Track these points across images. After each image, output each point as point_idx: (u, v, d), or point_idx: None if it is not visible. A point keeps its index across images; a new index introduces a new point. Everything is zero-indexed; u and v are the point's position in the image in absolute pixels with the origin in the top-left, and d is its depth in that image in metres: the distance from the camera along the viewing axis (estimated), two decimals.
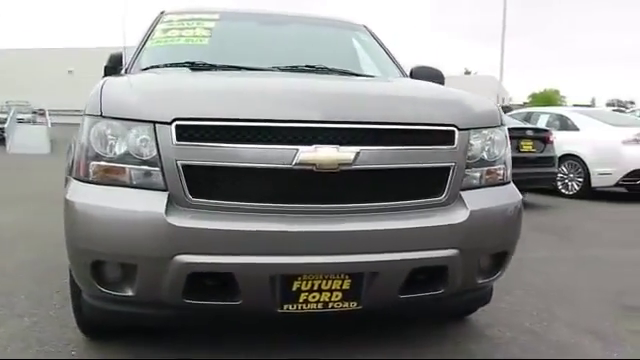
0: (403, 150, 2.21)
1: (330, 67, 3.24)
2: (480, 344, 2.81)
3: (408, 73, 3.47)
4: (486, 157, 2.41)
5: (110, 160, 2.17)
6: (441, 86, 3.06)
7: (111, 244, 2.11)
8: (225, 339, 2.78)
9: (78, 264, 2.24)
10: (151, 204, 2.08)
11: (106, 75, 3.29)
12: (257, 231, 2.07)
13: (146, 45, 3.42)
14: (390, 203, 2.21)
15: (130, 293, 2.17)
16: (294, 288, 2.15)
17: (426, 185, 2.27)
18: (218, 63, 3.18)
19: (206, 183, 2.10)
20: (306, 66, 3.21)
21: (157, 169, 2.11)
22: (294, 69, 3.18)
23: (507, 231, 2.44)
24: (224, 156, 2.10)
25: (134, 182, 2.15)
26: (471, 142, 2.33)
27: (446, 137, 2.28)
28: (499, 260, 2.47)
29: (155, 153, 2.11)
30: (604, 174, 8.85)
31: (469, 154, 2.33)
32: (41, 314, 3.12)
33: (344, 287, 2.18)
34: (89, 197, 2.17)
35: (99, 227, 2.12)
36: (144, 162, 2.13)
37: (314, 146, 2.09)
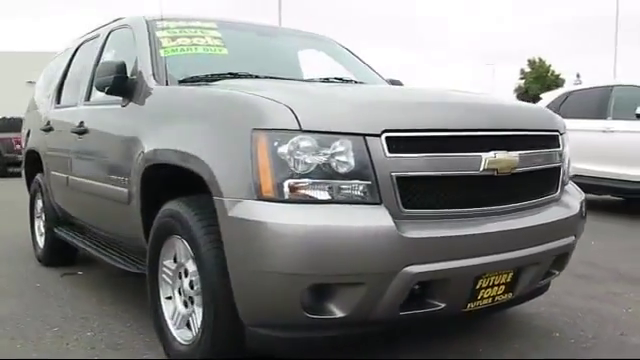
0: (538, 153, 2.52)
1: (345, 78, 3.43)
2: None
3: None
4: (568, 157, 2.85)
5: (310, 176, 2.04)
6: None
7: (336, 264, 1.99)
8: None
9: (280, 291, 2.03)
10: (378, 218, 2.03)
11: (116, 85, 2.93)
12: (468, 235, 2.18)
13: (159, 54, 3.10)
14: (534, 201, 2.50)
15: (340, 315, 2.06)
16: (477, 286, 2.29)
17: (549, 183, 2.62)
18: (253, 73, 3.11)
19: (413, 193, 2.12)
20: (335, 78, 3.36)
21: (369, 182, 2.06)
22: (328, 80, 3.31)
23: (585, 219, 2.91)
24: (428, 165, 2.15)
25: (341, 197, 2.05)
26: (565, 144, 2.75)
27: (555, 141, 2.66)
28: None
29: (368, 166, 2.06)
30: None
31: (563, 155, 2.74)
32: None
33: (507, 280, 2.39)
34: (296, 218, 2.00)
35: (320, 248, 1.98)
36: (354, 176, 2.06)
37: (492, 152, 2.28)
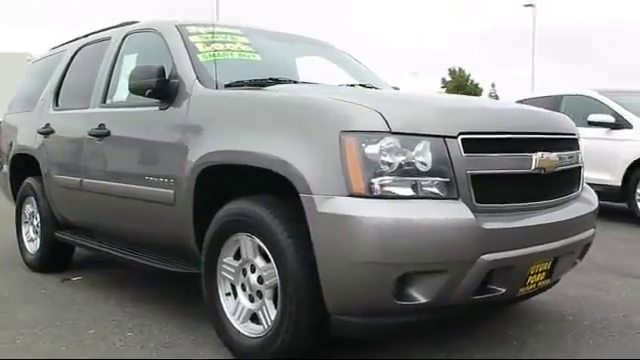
0: (568, 154, 2.82)
1: (367, 84, 3.66)
2: None
3: None
4: None
5: (396, 174, 2.23)
6: None
7: (424, 254, 2.19)
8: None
9: (374, 280, 2.20)
10: (459, 212, 2.24)
11: (159, 89, 3.01)
12: (528, 226, 2.44)
13: (197, 58, 3.18)
14: (566, 197, 2.79)
15: (424, 300, 2.26)
16: (529, 273, 2.55)
17: (574, 181, 2.93)
18: (290, 79, 3.26)
19: (483, 189, 2.35)
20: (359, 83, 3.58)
21: (448, 179, 2.27)
22: (354, 85, 3.51)
23: None
24: (495, 164, 2.40)
25: (423, 193, 2.25)
26: (581, 147, 3.07)
27: (576, 143, 2.98)
28: None
29: (448, 165, 2.27)
30: None
31: (581, 156, 3.06)
32: None
33: (548, 268, 2.67)
34: (386, 212, 2.18)
35: (411, 239, 2.17)
36: (435, 173, 2.26)
37: (540, 153, 2.55)
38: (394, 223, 2.17)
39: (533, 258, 2.48)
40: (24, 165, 4.72)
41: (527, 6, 31.36)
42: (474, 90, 49.02)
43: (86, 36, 4.54)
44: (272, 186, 2.55)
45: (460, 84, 51.95)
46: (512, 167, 2.45)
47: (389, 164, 2.22)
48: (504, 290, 2.44)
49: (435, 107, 2.54)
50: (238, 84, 3.04)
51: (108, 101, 3.75)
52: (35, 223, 4.60)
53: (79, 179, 3.82)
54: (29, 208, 4.69)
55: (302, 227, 2.34)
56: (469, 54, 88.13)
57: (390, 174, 2.22)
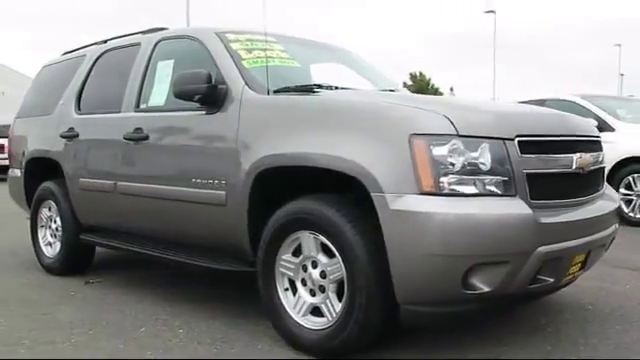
0: (596, 154, 3.06)
1: (392, 88, 3.87)
2: None
3: None
4: None
5: (461, 173, 2.42)
6: None
7: (491, 246, 2.39)
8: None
9: (445, 271, 2.38)
10: (519, 207, 2.45)
11: (209, 94, 3.15)
12: (575, 220, 2.67)
13: (243, 65, 3.32)
14: (596, 194, 3.04)
15: (487, 289, 2.45)
16: (571, 263, 2.79)
17: (600, 180, 3.18)
18: (328, 84, 3.42)
19: (536, 187, 2.57)
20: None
21: (507, 178, 2.48)
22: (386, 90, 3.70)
23: None
24: (546, 164, 2.62)
25: (485, 191, 2.45)
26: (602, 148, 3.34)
27: (599, 145, 3.23)
28: None
29: (507, 165, 2.48)
30: None
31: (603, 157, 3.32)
32: None
33: (583, 259, 2.90)
34: (455, 208, 2.37)
35: (479, 233, 2.37)
36: (496, 173, 2.47)
37: (579, 154, 2.79)
38: (462, 218, 2.37)
39: (577, 250, 2.71)
40: (40, 169, 4.74)
41: (488, 12, 32.24)
42: (435, 94, 50.07)
43: (105, 41, 4.60)
44: (329, 186, 2.73)
45: (421, 87, 52.96)
46: (559, 166, 2.68)
47: (455, 164, 2.42)
48: (552, 280, 2.66)
49: (494, 112, 2.75)
50: (285, 90, 3.18)
51: (142, 106, 3.82)
52: (54, 227, 4.63)
53: (112, 182, 3.88)
54: (46, 212, 4.71)
55: (368, 224, 2.52)
56: (431, 56, 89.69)
57: (455, 173, 2.41)
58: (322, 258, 2.73)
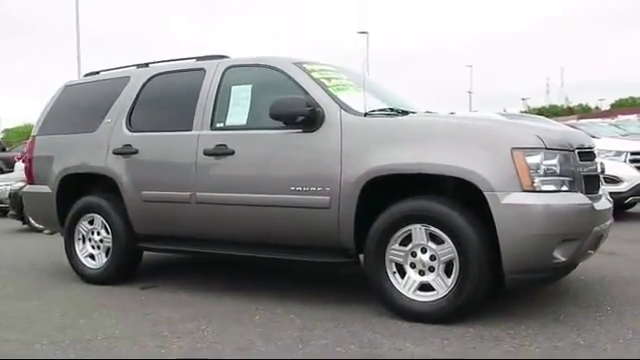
0: (597, 161, 4.14)
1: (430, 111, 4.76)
2: None
3: None
4: None
5: (547, 175, 3.34)
6: None
7: (572, 227, 3.35)
8: None
9: (543, 246, 3.27)
10: (584, 199, 3.43)
11: (311, 116, 3.81)
12: (602, 209, 3.67)
13: (330, 91, 3.99)
14: (600, 193, 4.09)
15: (563, 260, 3.36)
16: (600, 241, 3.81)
17: (599, 182, 4.25)
18: (398, 107, 4.21)
19: (586, 184, 3.54)
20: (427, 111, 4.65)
21: (572, 179, 3.44)
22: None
23: None
24: (589, 167, 3.64)
25: (562, 188, 3.39)
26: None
27: (594, 154, 4.33)
28: None
29: (573, 169, 3.44)
30: None
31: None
32: None
33: (596, 242, 3.92)
34: (547, 200, 3.29)
35: (565, 217, 3.32)
36: (566, 175, 3.40)
37: (595, 160, 3.85)
38: (554, 208, 3.29)
39: (604, 231, 3.74)
40: (75, 185, 4.96)
41: (361, 33, 34.20)
42: None
43: (147, 65, 4.97)
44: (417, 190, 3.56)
45: None
46: (593, 170, 3.71)
47: (542, 169, 3.33)
48: (592, 252, 3.67)
49: (560, 131, 3.73)
50: (372, 113, 3.90)
51: (219, 124, 4.31)
52: (97, 238, 4.87)
53: (188, 193, 4.31)
54: (86, 225, 4.92)
55: (473, 215, 3.38)
56: None
57: (543, 175, 3.33)
58: (432, 245, 3.50)
